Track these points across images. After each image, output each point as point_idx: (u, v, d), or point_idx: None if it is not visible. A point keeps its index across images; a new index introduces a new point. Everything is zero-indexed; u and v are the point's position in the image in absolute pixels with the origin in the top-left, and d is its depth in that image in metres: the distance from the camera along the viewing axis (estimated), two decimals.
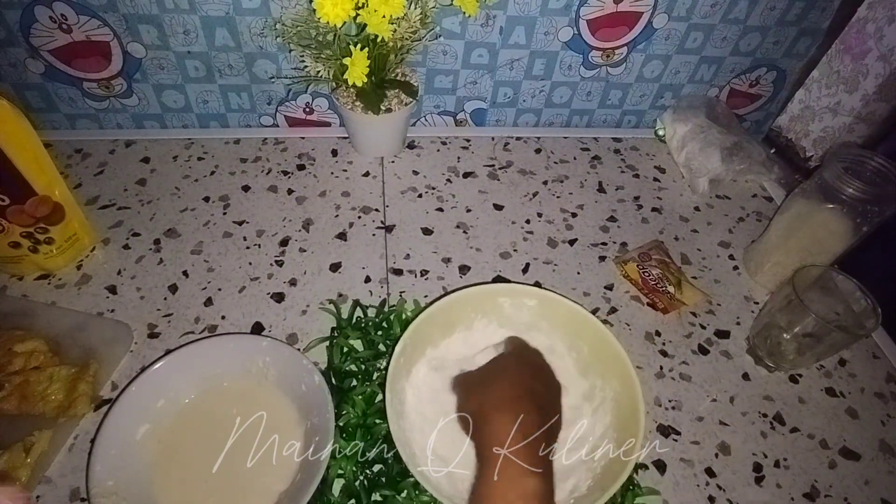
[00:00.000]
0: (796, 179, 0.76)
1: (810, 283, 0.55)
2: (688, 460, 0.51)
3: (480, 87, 0.79)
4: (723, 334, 0.61)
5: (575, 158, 0.79)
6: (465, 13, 0.61)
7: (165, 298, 0.58)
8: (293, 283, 0.60)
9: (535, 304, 0.51)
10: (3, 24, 0.64)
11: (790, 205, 0.62)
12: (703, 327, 0.61)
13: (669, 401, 0.55)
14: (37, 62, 0.68)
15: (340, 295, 0.60)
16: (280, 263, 0.62)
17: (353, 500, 0.45)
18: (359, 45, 0.59)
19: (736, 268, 0.68)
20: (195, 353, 0.50)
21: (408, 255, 0.64)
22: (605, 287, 0.64)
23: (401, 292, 0.60)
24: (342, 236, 0.65)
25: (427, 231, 0.67)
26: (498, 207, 0.71)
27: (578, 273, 0.65)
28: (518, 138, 0.81)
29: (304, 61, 0.63)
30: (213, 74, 0.72)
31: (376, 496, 0.45)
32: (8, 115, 0.48)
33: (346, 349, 0.53)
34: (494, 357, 0.45)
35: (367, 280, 0.61)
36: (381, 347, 0.54)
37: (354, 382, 0.51)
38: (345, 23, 0.56)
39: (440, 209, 0.70)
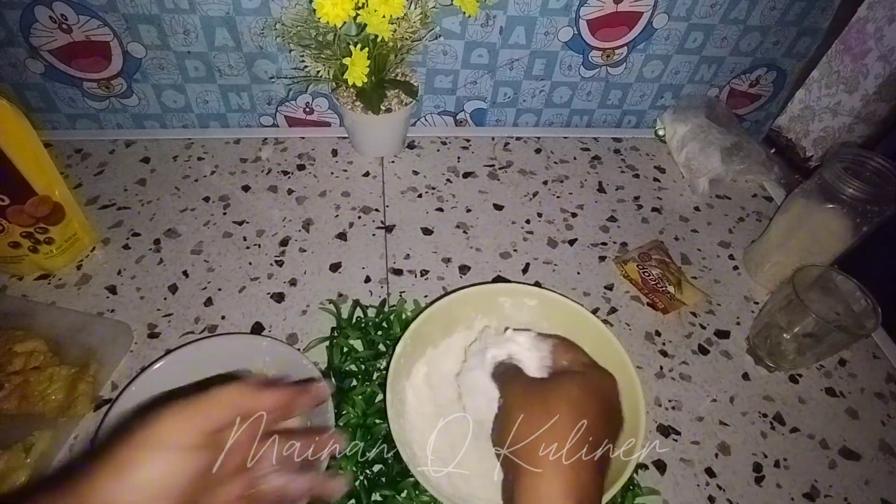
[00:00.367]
0: (796, 179, 0.76)
1: (810, 283, 0.55)
2: (688, 460, 0.51)
3: (480, 87, 0.79)
4: (723, 334, 0.61)
5: (575, 158, 0.79)
6: (465, 13, 0.61)
7: (165, 298, 0.58)
8: (293, 283, 0.60)
9: (536, 304, 0.51)
10: (3, 24, 0.64)
11: (790, 205, 0.62)
12: (703, 327, 0.61)
13: (669, 401, 0.55)
14: (37, 62, 0.68)
15: (340, 295, 0.60)
16: (280, 263, 0.62)
17: (352, 500, 0.45)
18: (359, 45, 0.59)
19: (736, 268, 0.68)
20: (195, 353, 0.50)
21: (408, 255, 0.64)
22: (605, 287, 0.64)
23: (401, 292, 0.60)
24: (342, 236, 0.65)
25: (427, 231, 0.67)
26: (498, 207, 0.71)
27: (578, 273, 0.65)
28: (518, 138, 0.81)
29: (304, 61, 0.63)
30: (213, 74, 0.72)
31: (376, 496, 0.45)
32: (8, 115, 0.48)
33: (346, 349, 0.53)
34: (562, 376, 0.39)
35: (367, 280, 0.61)
36: (381, 347, 0.54)
37: (354, 382, 0.51)
38: (345, 23, 0.57)
39: (440, 209, 0.70)
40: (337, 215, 0.68)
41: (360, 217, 0.68)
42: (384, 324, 0.56)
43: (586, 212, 0.72)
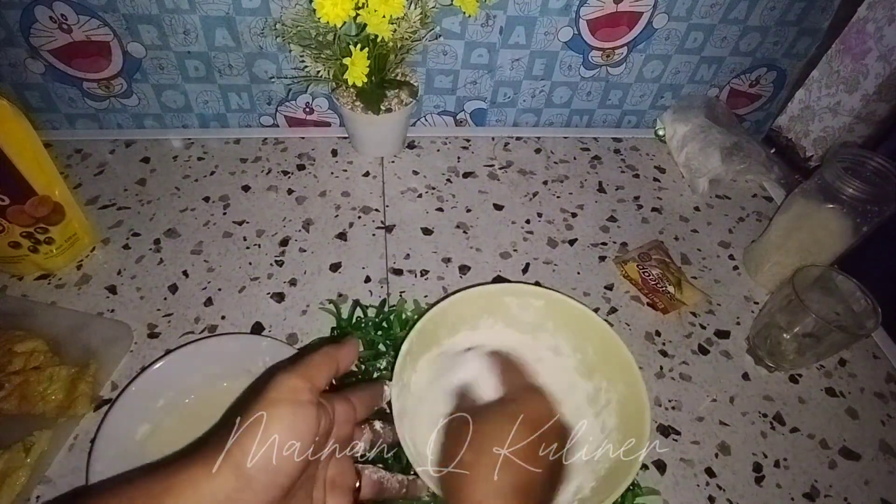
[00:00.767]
0: (796, 179, 0.76)
1: (810, 283, 0.55)
2: (688, 460, 0.51)
3: (480, 87, 0.79)
4: (723, 334, 0.61)
5: (575, 158, 0.79)
6: (465, 13, 0.61)
7: (165, 298, 0.58)
8: (293, 283, 0.60)
9: (542, 304, 0.51)
10: (3, 24, 0.64)
11: (790, 205, 0.62)
12: (703, 327, 0.61)
13: (669, 401, 0.55)
14: (37, 62, 0.68)
15: (340, 295, 0.60)
16: (280, 263, 0.62)
17: None
18: (359, 45, 0.59)
19: (736, 268, 0.68)
20: (195, 353, 0.50)
21: (408, 255, 0.64)
22: (605, 287, 0.64)
23: (401, 292, 0.60)
24: (342, 236, 0.65)
25: (427, 231, 0.67)
26: (498, 207, 0.71)
27: (578, 273, 0.65)
28: (518, 138, 0.81)
29: (304, 61, 0.63)
30: (213, 74, 0.72)
31: None
32: (8, 115, 0.48)
33: None
34: (492, 404, 0.41)
35: (367, 280, 0.61)
36: (381, 347, 0.54)
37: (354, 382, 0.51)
38: (345, 23, 0.56)
39: (440, 209, 0.70)
40: (337, 215, 0.68)
41: (360, 217, 0.68)
42: (384, 324, 0.56)
43: (586, 212, 0.72)
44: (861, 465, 0.52)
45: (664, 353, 0.58)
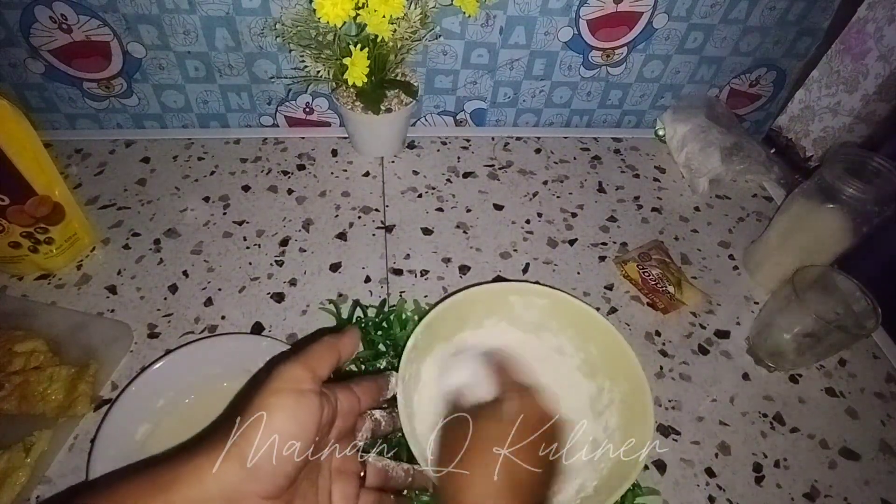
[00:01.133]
0: (796, 179, 0.76)
1: (810, 283, 0.55)
2: (688, 460, 0.51)
3: (480, 87, 0.79)
4: (723, 334, 0.61)
5: (575, 158, 0.79)
6: (465, 13, 0.61)
7: (165, 298, 0.58)
8: (293, 283, 0.60)
9: (546, 303, 0.51)
10: (3, 24, 0.64)
11: (790, 205, 0.62)
12: (703, 327, 0.61)
13: (669, 401, 0.55)
14: (37, 62, 0.68)
15: (340, 295, 0.60)
16: (280, 263, 0.62)
17: None
18: (359, 45, 0.59)
19: (736, 268, 0.68)
20: (195, 353, 0.50)
21: (408, 255, 0.64)
22: (605, 287, 0.64)
23: (401, 292, 0.60)
24: (342, 236, 0.65)
25: (427, 231, 0.67)
26: (498, 207, 0.71)
27: (578, 273, 0.65)
28: (518, 138, 0.81)
29: (304, 61, 0.63)
30: (213, 74, 0.72)
31: None
32: (8, 115, 0.48)
33: None
34: (488, 408, 0.39)
35: (367, 280, 0.61)
36: (381, 347, 0.54)
37: None
38: (345, 23, 0.57)
39: (440, 209, 0.70)
40: (337, 215, 0.68)
41: (360, 217, 0.68)
42: (384, 324, 0.56)
43: (586, 212, 0.72)
44: (861, 465, 0.52)
45: (664, 353, 0.58)
